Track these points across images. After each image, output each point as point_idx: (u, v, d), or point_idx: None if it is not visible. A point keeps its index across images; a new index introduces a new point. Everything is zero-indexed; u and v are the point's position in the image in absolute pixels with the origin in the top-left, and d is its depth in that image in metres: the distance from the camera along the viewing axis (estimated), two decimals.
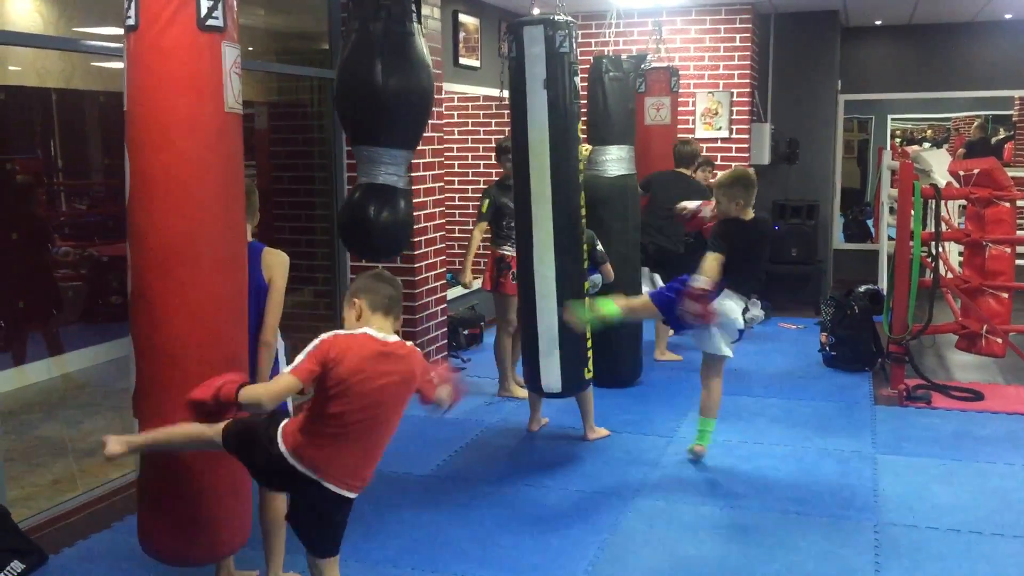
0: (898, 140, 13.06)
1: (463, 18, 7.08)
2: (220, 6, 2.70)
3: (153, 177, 2.73)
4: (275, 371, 3.11)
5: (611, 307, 4.39)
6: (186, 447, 2.78)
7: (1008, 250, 5.84)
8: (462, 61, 7.10)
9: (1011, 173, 6.41)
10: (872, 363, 6.23)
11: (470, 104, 8.17)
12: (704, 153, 7.14)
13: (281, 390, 2.60)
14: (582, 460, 4.68)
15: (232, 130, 2.82)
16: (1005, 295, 5.81)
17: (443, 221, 6.37)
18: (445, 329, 6.46)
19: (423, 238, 6.04)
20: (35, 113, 6.91)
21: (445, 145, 6.96)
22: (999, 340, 5.73)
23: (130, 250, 2.82)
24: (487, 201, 5.47)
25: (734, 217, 4.31)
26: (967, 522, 3.90)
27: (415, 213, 5.88)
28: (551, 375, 4.62)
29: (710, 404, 4.58)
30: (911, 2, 7.95)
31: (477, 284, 6.19)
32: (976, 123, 12.10)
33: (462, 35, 7.08)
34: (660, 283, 6.07)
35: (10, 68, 6.27)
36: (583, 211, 4.67)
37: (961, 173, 6.11)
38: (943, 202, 5.83)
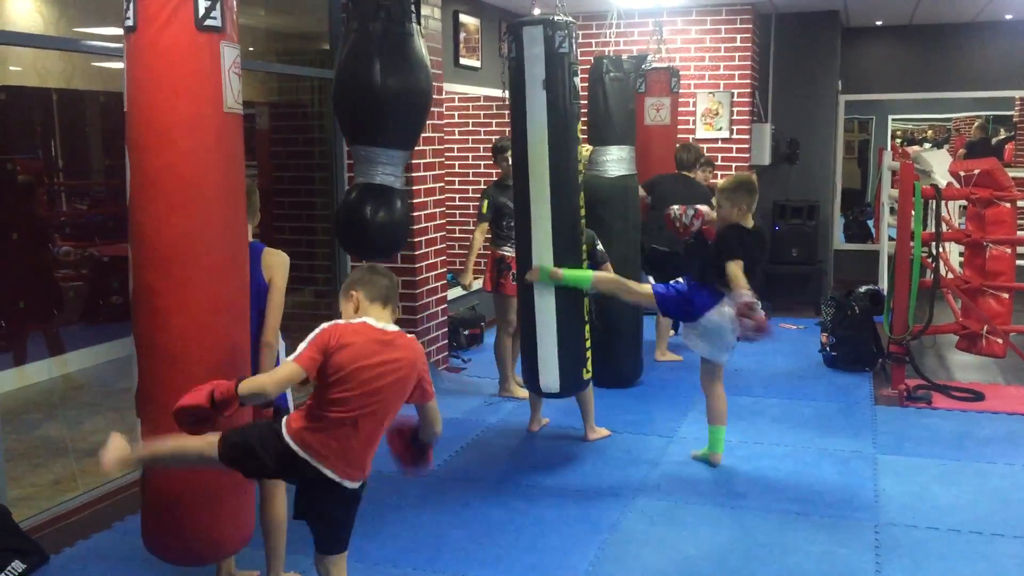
0: (899, 140, 13.05)
1: (464, 18, 7.09)
2: (218, 6, 2.70)
3: (153, 177, 2.73)
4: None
5: (583, 278, 4.48)
6: (180, 463, 2.75)
7: (1008, 250, 5.84)
8: (462, 61, 7.10)
9: (1012, 173, 6.41)
10: (872, 363, 6.23)
11: (471, 104, 8.17)
12: (705, 154, 7.15)
13: (284, 378, 2.61)
14: (582, 460, 4.68)
15: (232, 130, 2.82)
16: (1006, 295, 5.81)
17: (443, 221, 6.38)
18: (446, 329, 6.46)
19: (423, 238, 6.04)
20: (36, 113, 6.91)
21: (446, 145, 6.96)
22: (999, 340, 5.73)
23: (131, 250, 2.82)
24: (486, 201, 5.47)
25: (735, 223, 4.30)
26: (967, 522, 3.89)
27: (416, 213, 5.89)
28: (549, 375, 4.62)
29: (717, 411, 4.56)
30: (912, 2, 7.95)
31: (478, 285, 6.20)
32: (977, 123, 12.10)
33: (463, 35, 7.08)
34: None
35: (11, 68, 6.28)
36: (583, 211, 4.67)
37: (962, 173, 6.10)
38: (944, 202, 5.82)
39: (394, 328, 2.73)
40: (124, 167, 2.80)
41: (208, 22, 2.69)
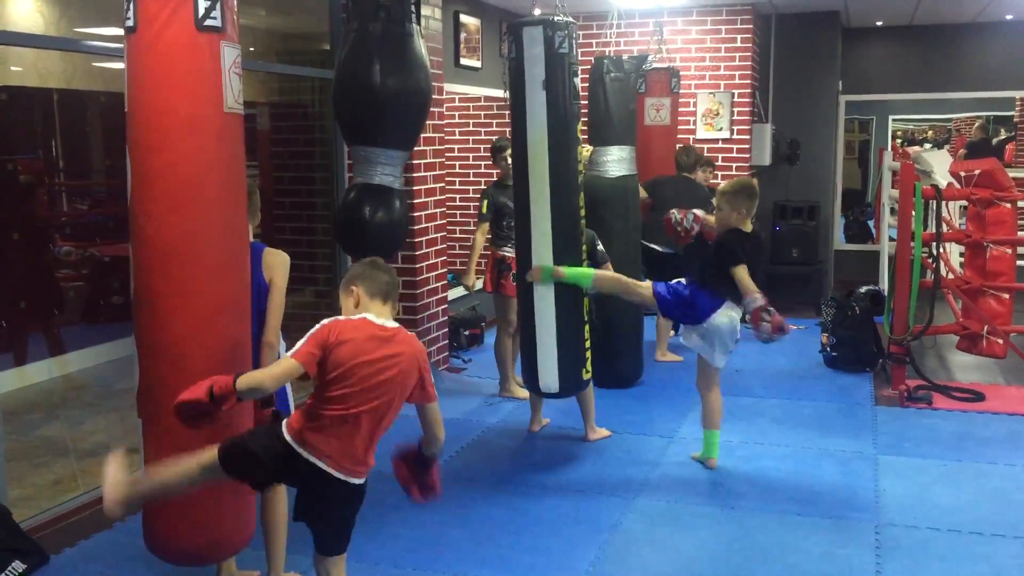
0: (899, 141, 13.04)
1: (464, 19, 7.09)
2: (218, 6, 2.70)
3: (154, 177, 2.74)
4: None
5: (584, 275, 4.47)
6: (185, 484, 2.70)
7: (1009, 251, 5.84)
8: (463, 62, 7.10)
9: (1012, 174, 6.41)
10: (873, 364, 6.22)
11: (471, 105, 8.17)
12: (705, 154, 7.16)
13: (282, 373, 2.61)
14: (583, 461, 4.68)
15: (233, 130, 2.82)
16: (1006, 296, 5.81)
17: (444, 221, 6.38)
18: (446, 330, 6.46)
19: (424, 238, 6.04)
20: (36, 113, 6.91)
21: (446, 146, 6.96)
22: (1000, 341, 5.72)
23: (132, 250, 2.82)
24: (486, 202, 5.47)
25: (735, 228, 4.30)
26: (968, 523, 3.89)
27: (416, 214, 5.89)
28: (549, 375, 4.62)
29: (712, 416, 4.56)
30: (912, 3, 7.95)
31: (480, 285, 6.20)
32: (977, 124, 12.09)
33: (463, 36, 7.08)
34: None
35: (12, 68, 6.28)
36: (583, 211, 4.67)
37: (962, 174, 6.10)
38: (944, 203, 5.82)
39: (394, 324, 2.73)
40: (125, 167, 2.80)
41: (208, 22, 2.69)
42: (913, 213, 5.66)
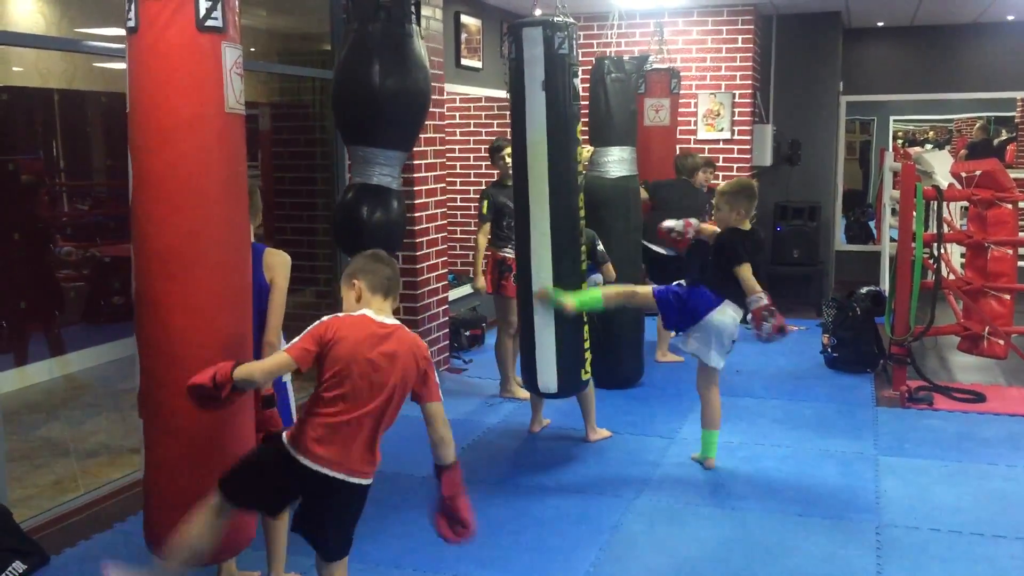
0: (900, 141, 13.04)
1: (465, 19, 7.09)
2: (219, 7, 2.70)
3: (155, 178, 2.74)
4: None
5: (594, 298, 4.41)
6: (208, 537, 2.69)
7: (1010, 252, 5.84)
8: (464, 62, 7.10)
9: (1013, 175, 6.41)
10: (874, 365, 6.22)
11: (472, 105, 8.17)
12: (706, 154, 7.16)
13: (273, 366, 2.64)
14: (583, 461, 4.67)
15: (234, 131, 2.82)
16: (1007, 296, 5.80)
17: (445, 222, 6.38)
18: (447, 330, 6.46)
19: (425, 239, 6.04)
20: (37, 114, 6.92)
21: (447, 146, 6.96)
22: (1001, 342, 5.72)
23: (134, 250, 2.82)
24: (486, 202, 5.47)
25: (734, 227, 4.32)
26: (969, 524, 3.89)
27: (417, 214, 5.89)
28: (547, 375, 4.61)
29: (711, 416, 4.57)
30: (913, 3, 7.95)
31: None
32: (978, 125, 12.09)
33: (464, 36, 7.08)
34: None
35: (13, 69, 6.28)
36: (582, 212, 4.67)
37: (963, 175, 6.10)
38: (945, 204, 5.82)
39: (393, 321, 2.71)
40: (125, 167, 2.80)
41: (209, 23, 2.69)
42: (914, 214, 5.65)
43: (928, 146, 12.75)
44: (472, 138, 8.29)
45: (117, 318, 6.61)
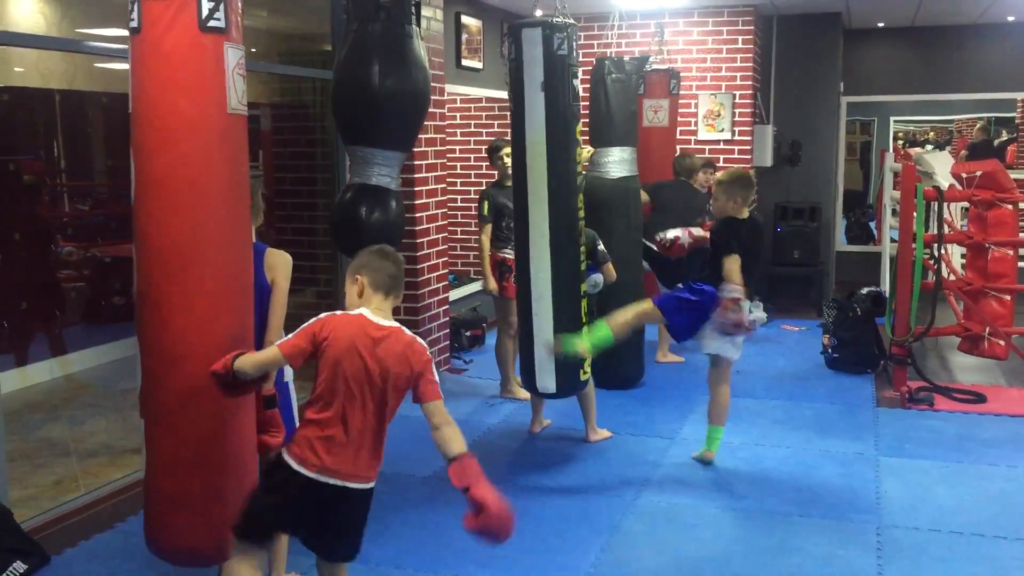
0: (900, 142, 13.04)
1: (465, 20, 7.09)
2: (222, 7, 2.70)
3: (157, 178, 2.74)
4: (280, 372, 3.11)
5: (604, 336, 4.36)
6: None
7: (1011, 252, 5.84)
8: (464, 63, 7.10)
9: (1014, 175, 6.41)
10: (874, 365, 6.22)
11: (472, 106, 8.18)
12: (706, 155, 7.16)
13: (263, 360, 2.68)
14: (584, 461, 4.68)
15: (236, 131, 2.82)
16: (1008, 297, 5.80)
17: (445, 222, 6.38)
18: (448, 331, 6.46)
19: (425, 239, 6.05)
20: (38, 114, 6.92)
21: (447, 146, 6.96)
22: (1001, 342, 5.72)
23: (135, 250, 2.82)
24: (486, 203, 5.47)
25: (730, 216, 4.37)
26: (969, 524, 3.89)
27: (418, 214, 5.89)
28: (546, 375, 4.61)
29: (718, 411, 4.58)
30: (914, 4, 7.95)
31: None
32: (979, 125, 12.08)
33: (464, 37, 7.08)
34: None
35: (14, 69, 6.29)
36: (582, 213, 4.67)
37: (964, 175, 6.10)
38: (946, 204, 5.83)
39: (390, 323, 2.67)
40: (126, 168, 2.81)
41: (212, 23, 2.69)
42: (915, 214, 5.65)
43: (928, 147, 12.74)
44: (473, 138, 8.29)
45: (118, 318, 6.61)
